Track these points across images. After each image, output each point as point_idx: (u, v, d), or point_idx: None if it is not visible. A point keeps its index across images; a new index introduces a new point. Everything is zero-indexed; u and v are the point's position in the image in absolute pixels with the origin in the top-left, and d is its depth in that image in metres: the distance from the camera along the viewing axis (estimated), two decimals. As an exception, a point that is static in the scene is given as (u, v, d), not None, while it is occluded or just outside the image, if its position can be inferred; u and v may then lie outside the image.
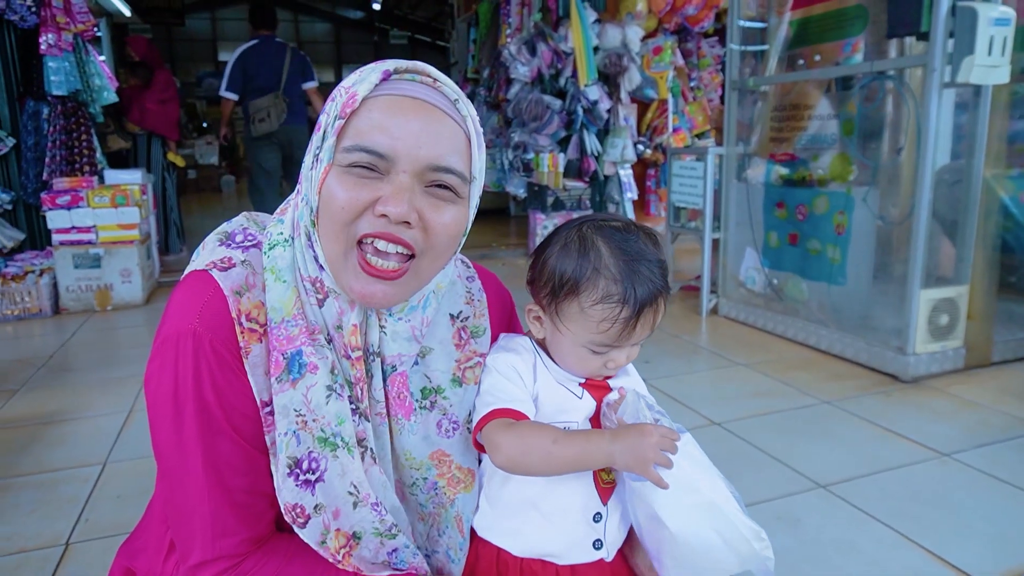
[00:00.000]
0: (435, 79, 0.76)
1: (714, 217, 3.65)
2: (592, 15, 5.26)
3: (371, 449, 0.80)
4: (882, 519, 1.75)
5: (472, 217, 0.81)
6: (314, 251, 0.76)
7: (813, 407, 2.48)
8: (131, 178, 4.39)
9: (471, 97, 7.14)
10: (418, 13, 19.28)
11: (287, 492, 0.75)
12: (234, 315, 0.74)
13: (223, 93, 4.92)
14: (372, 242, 0.73)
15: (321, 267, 0.76)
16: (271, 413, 0.75)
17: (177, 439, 0.73)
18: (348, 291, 0.76)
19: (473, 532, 0.92)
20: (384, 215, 0.72)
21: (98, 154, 4.53)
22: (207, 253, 0.79)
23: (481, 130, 0.80)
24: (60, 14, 4.23)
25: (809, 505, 1.84)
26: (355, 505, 0.78)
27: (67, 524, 1.79)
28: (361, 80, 0.74)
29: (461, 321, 0.91)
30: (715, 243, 3.70)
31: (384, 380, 0.82)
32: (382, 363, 0.82)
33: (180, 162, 5.65)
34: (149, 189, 4.69)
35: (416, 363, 0.86)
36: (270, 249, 0.78)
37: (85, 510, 1.86)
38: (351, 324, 0.78)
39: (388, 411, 0.83)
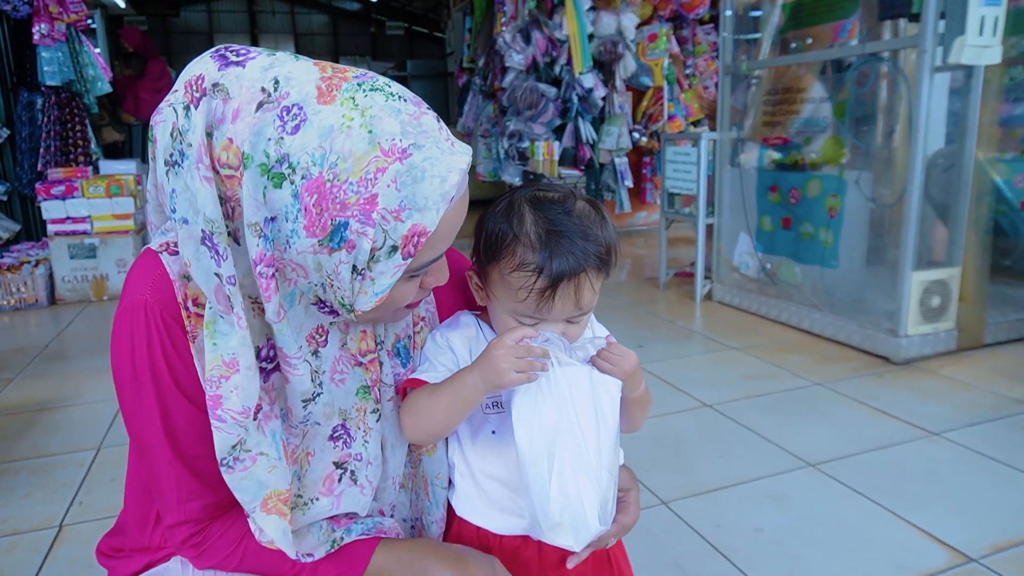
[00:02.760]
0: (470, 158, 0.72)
1: (708, 203, 3.65)
2: (587, 2, 5.24)
3: (352, 472, 0.81)
4: (870, 496, 1.77)
5: None
6: (327, 312, 0.74)
7: (805, 389, 2.49)
8: (126, 168, 4.39)
9: (466, 87, 7.13)
10: (415, 4, 19.20)
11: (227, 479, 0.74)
12: (180, 299, 0.72)
13: None
14: None
15: (332, 312, 0.74)
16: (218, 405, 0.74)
17: (137, 407, 0.73)
18: (383, 322, 0.81)
19: (453, 512, 0.93)
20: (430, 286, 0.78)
21: (92, 144, 4.53)
22: (162, 233, 0.78)
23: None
24: (53, 4, 4.22)
25: (799, 483, 1.85)
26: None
27: (61, 507, 1.81)
28: (419, 208, 0.66)
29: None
30: (709, 229, 3.70)
31: (405, 358, 0.87)
32: (396, 342, 0.86)
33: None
34: (144, 179, 4.68)
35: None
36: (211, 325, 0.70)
37: (79, 493, 1.88)
38: (360, 332, 0.80)
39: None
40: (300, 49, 23.69)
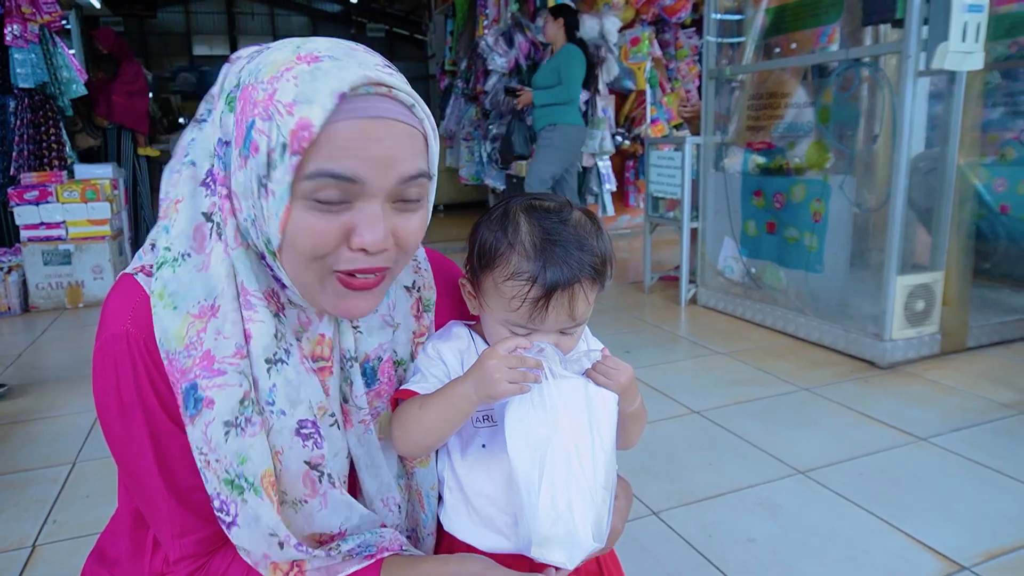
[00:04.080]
0: (390, 87, 0.68)
1: (692, 207, 3.65)
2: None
3: (328, 475, 0.76)
4: (861, 504, 1.76)
5: (431, 210, 0.78)
6: (272, 271, 0.72)
7: (792, 394, 2.48)
8: (101, 172, 4.30)
9: (448, 90, 7.09)
10: (395, 6, 19.13)
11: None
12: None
13: None
14: (352, 273, 0.70)
15: (282, 285, 0.72)
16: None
17: (127, 440, 0.71)
18: (329, 309, 0.73)
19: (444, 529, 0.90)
20: (363, 248, 0.68)
21: (67, 148, 4.43)
22: (138, 257, 0.76)
23: (435, 125, 0.76)
24: (25, 4, 4.11)
25: (789, 491, 1.84)
26: (281, 546, 0.72)
27: (34, 525, 1.74)
28: (307, 100, 0.64)
29: (416, 291, 0.89)
30: (693, 233, 3.70)
31: (371, 379, 0.81)
32: (365, 362, 0.80)
33: (155, 153, 5.54)
34: (120, 184, 4.59)
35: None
36: (157, 269, 0.70)
37: (53, 511, 1.81)
38: (318, 334, 0.76)
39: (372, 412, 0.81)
40: (279, 51, 23.50)
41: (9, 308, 3.82)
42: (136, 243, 5.32)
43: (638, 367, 2.75)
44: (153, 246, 0.73)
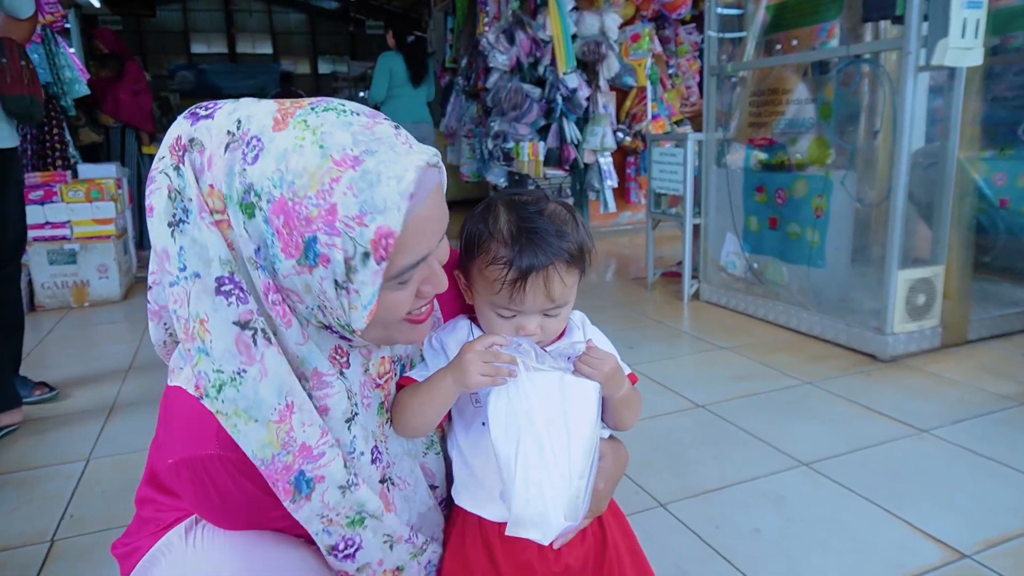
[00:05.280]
0: (434, 164, 0.75)
1: (694, 203, 3.68)
2: (570, 3, 5.25)
3: (391, 479, 0.86)
4: (864, 494, 1.79)
5: None
6: (337, 335, 0.78)
7: (795, 388, 2.51)
8: (105, 172, 4.31)
9: (449, 88, 7.10)
10: (394, 3, 19.10)
11: (331, 563, 0.83)
12: None
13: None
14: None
15: (349, 340, 0.79)
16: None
17: (236, 525, 0.81)
18: (391, 343, 0.84)
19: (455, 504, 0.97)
20: (430, 293, 0.79)
21: (71, 148, 4.45)
22: (179, 371, 0.79)
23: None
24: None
25: (793, 483, 1.87)
26: (391, 547, 0.85)
27: (51, 521, 1.77)
28: (379, 211, 0.67)
29: None
30: (696, 229, 3.72)
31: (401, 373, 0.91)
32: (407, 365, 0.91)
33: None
34: (124, 183, 4.61)
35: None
36: (218, 393, 0.70)
37: (69, 507, 1.84)
38: (380, 357, 0.85)
39: None
40: (277, 48, 23.45)
41: None
42: (140, 242, 5.34)
43: (643, 362, 2.79)
44: (194, 368, 0.74)
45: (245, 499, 0.76)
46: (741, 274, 3.53)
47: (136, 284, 4.53)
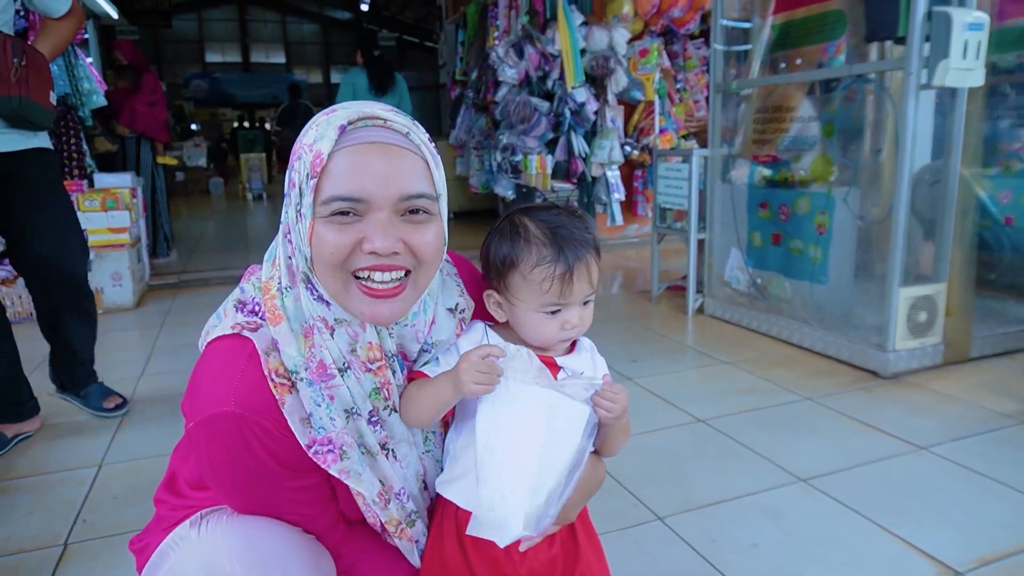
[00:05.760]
0: (385, 120, 0.85)
1: (699, 218, 3.71)
2: (579, 17, 5.31)
3: (392, 451, 0.93)
4: (860, 511, 1.81)
5: (447, 225, 0.92)
6: (317, 291, 0.87)
7: (796, 403, 2.54)
8: (121, 181, 4.40)
9: (459, 100, 7.18)
10: (406, 14, 19.28)
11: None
12: (266, 372, 0.84)
13: None
14: (369, 275, 0.84)
15: (327, 303, 0.87)
16: (316, 453, 0.87)
17: (253, 506, 0.90)
18: (359, 316, 0.87)
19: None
20: (373, 251, 0.82)
21: (87, 158, 4.54)
22: (229, 318, 0.89)
23: (436, 150, 0.90)
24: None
25: (791, 498, 1.89)
26: (385, 495, 0.94)
27: (64, 525, 1.82)
28: (321, 137, 0.82)
29: (460, 313, 1.01)
30: (700, 243, 3.76)
31: (400, 367, 0.96)
32: (401, 359, 0.96)
33: (173, 162, 5.66)
34: (139, 192, 4.69)
35: (425, 351, 0.98)
36: (281, 298, 0.88)
37: (83, 511, 1.89)
38: (367, 342, 0.90)
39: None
40: (290, 58, 23.70)
41: (31, 314, 3.91)
42: (153, 251, 5.42)
43: (646, 376, 2.82)
44: (242, 306, 0.91)
45: (255, 463, 0.84)
46: (745, 289, 3.56)
47: (149, 292, 4.61)
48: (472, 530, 0.89)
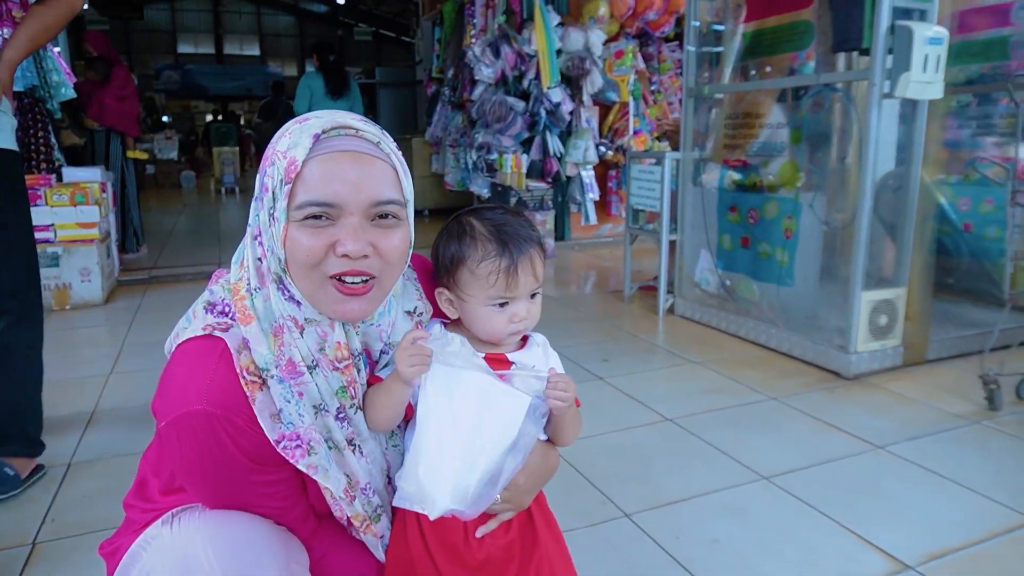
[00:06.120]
0: (357, 129, 0.89)
1: (671, 220, 3.77)
2: (555, 18, 5.36)
3: (359, 447, 0.96)
4: (818, 507, 1.88)
5: (412, 231, 0.97)
6: (288, 292, 0.90)
7: (761, 403, 2.61)
8: (90, 176, 4.34)
9: (435, 97, 7.19)
10: (383, 8, 19.16)
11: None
12: (238, 370, 0.87)
13: None
14: (341, 277, 0.88)
15: (299, 304, 0.91)
16: (284, 448, 0.89)
17: (216, 485, 0.91)
18: (331, 313, 0.91)
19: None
20: (345, 255, 0.87)
21: (56, 151, 4.46)
22: (199, 320, 0.92)
23: (403, 158, 0.95)
24: (16, 8, 4.14)
25: (753, 495, 1.96)
26: (352, 489, 0.97)
27: (33, 524, 1.81)
28: (295, 144, 0.86)
29: (417, 316, 1.06)
30: (672, 245, 3.82)
31: (364, 365, 1.00)
32: (366, 357, 0.99)
33: (144, 156, 5.59)
34: (108, 187, 4.63)
35: (384, 352, 1.02)
36: (251, 299, 0.91)
37: (51, 511, 1.88)
38: (335, 341, 0.93)
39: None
40: (265, 51, 23.43)
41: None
42: (123, 246, 5.35)
43: (617, 375, 2.88)
44: (211, 307, 0.93)
45: (226, 458, 0.86)
46: (714, 290, 3.63)
47: (118, 288, 4.55)
48: (399, 501, 0.96)
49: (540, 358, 1.05)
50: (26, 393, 2.05)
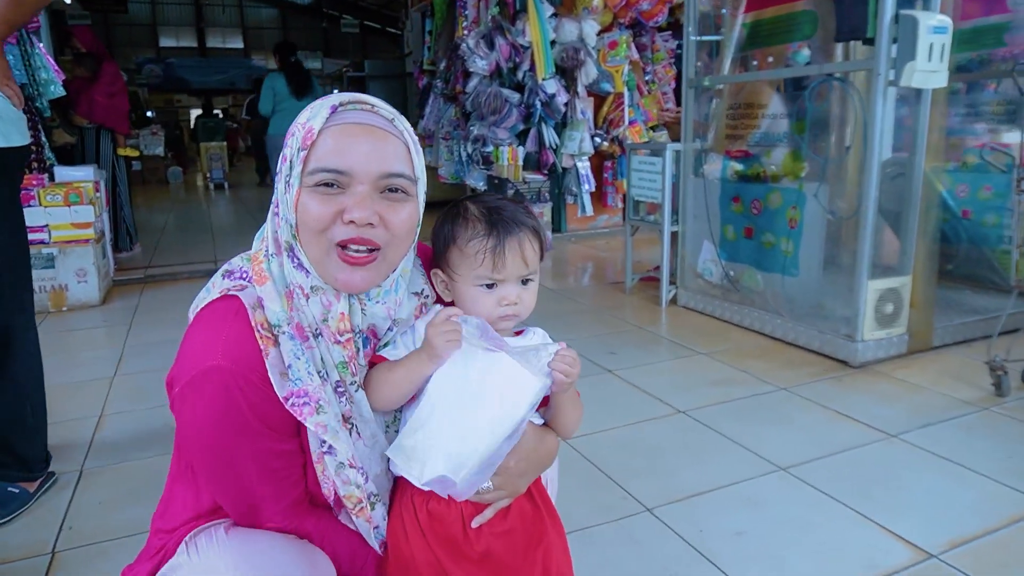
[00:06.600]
0: (373, 105, 0.93)
1: (672, 210, 3.77)
2: (549, 9, 5.32)
3: (355, 426, 0.97)
4: (838, 497, 1.89)
5: (422, 209, 0.99)
6: (298, 259, 0.92)
7: (770, 393, 2.62)
8: (83, 175, 4.27)
9: (427, 89, 7.13)
10: (369, 0, 18.96)
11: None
12: (253, 325, 0.89)
13: None
14: (346, 246, 0.91)
15: (306, 272, 0.92)
16: (293, 405, 0.90)
17: (233, 449, 0.90)
18: (333, 282, 0.93)
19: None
20: (352, 221, 0.89)
21: (47, 150, 4.39)
22: (217, 287, 0.94)
23: (416, 139, 0.97)
24: (2, 5, 4.07)
25: (772, 487, 1.97)
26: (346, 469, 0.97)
27: (51, 533, 1.79)
28: (314, 116, 0.90)
29: (423, 298, 1.08)
30: (674, 236, 3.82)
31: (364, 344, 1.00)
32: (367, 337, 1.00)
33: (134, 153, 5.52)
34: (102, 186, 4.57)
35: (391, 329, 1.03)
36: (268, 263, 0.94)
37: (67, 518, 1.86)
38: (339, 312, 0.94)
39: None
40: (248, 44, 23.14)
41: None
42: (116, 245, 5.29)
43: (624, 368, 2.88)
44: (229, 274, 0.96)
45: (239, 418, 0.87)
46: (718, 281, 3.64)
47: (114, 288, 4.50)
48: (392, 451, 0.96)
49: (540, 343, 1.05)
50: (15, 413, 1.92)
